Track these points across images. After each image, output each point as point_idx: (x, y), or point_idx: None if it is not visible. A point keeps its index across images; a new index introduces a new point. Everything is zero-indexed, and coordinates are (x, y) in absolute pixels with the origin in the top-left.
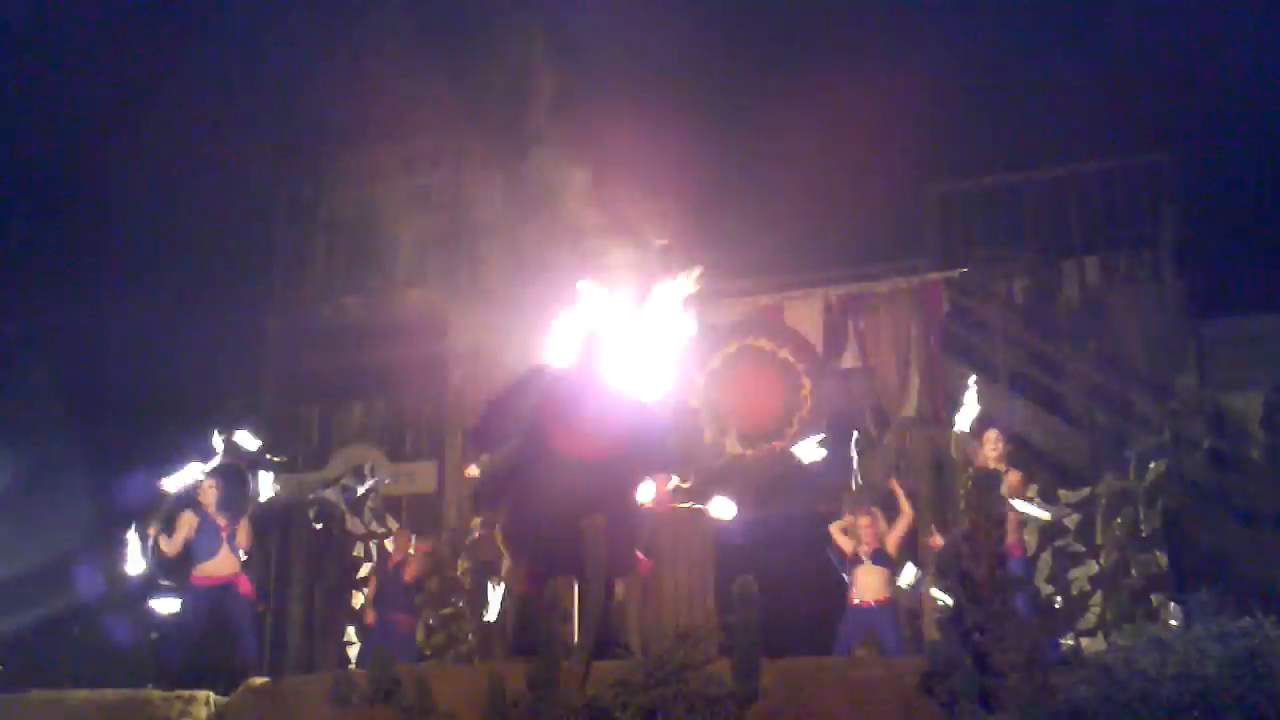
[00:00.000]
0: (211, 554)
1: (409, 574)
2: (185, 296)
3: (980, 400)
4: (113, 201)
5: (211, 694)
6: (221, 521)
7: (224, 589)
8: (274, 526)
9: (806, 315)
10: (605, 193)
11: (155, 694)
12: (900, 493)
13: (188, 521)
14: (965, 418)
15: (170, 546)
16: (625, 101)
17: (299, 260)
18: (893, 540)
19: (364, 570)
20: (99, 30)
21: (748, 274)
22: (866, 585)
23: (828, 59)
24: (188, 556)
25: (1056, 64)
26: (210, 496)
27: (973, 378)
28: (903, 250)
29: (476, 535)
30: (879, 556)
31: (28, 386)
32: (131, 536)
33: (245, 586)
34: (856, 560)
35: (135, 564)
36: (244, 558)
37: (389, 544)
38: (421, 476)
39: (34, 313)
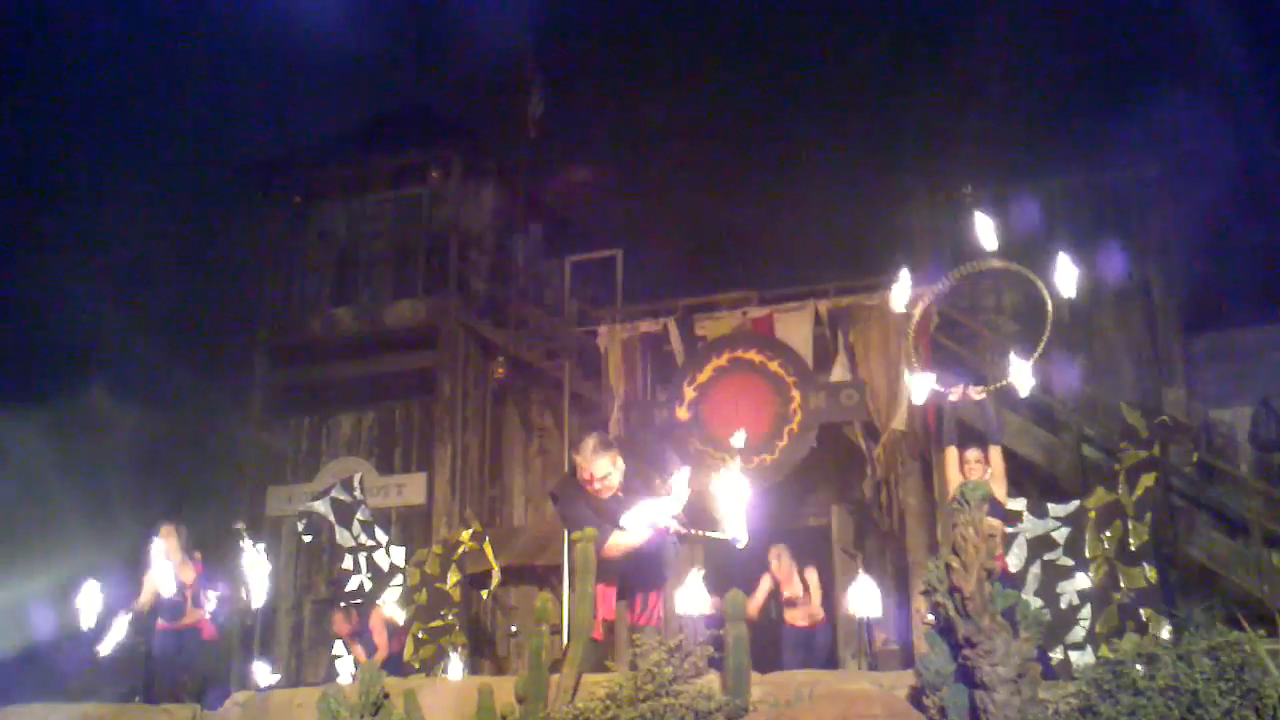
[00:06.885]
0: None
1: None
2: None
3: (968, 413)
4: (104, 218)
5: (198, 707)
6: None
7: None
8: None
9: (797, 328)
10: (596, 206)
11: (139, 707)
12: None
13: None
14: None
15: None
16: (621, 117)
17: (289, 273)
18: (814, 604)
19: (352, 584)
20: (90, 43)
21: (738, 286)
22: (799, 615)
23: (821, 75)
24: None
25: (1045, 79)
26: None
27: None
28: (892, 263)
29: (465, 549)
30: (797, 600)
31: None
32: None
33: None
34: (782, 599)
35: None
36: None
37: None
38: (411, 488)
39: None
